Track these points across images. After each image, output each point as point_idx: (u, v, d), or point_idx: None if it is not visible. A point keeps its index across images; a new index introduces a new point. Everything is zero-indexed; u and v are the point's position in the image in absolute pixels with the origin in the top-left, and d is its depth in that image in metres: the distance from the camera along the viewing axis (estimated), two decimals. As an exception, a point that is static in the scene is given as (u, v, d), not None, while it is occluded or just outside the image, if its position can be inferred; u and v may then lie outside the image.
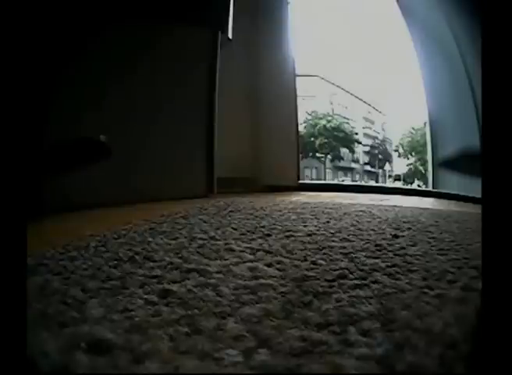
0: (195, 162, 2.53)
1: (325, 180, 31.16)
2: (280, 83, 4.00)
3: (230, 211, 1.72)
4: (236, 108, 3.66)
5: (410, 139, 31.40)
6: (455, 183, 4.43)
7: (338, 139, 31.56)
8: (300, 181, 4.19)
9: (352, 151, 34.61)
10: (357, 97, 40.64)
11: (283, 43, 3.96)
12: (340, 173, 34.73)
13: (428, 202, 3.09)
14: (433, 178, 4.82)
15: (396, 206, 2.11)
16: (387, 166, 30.94)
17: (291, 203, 2.19)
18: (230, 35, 2.80)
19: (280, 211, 1.76)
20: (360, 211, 1.79)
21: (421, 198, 3.75)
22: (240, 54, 3.61)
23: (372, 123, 41.16)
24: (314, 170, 32.96)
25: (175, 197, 2.32)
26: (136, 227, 1.26)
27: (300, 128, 30.89)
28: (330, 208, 1.85)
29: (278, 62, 3.96)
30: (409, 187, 4.45)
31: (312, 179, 30.69)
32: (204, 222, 1.38)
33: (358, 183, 4.92)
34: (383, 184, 4.93)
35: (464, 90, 4.06)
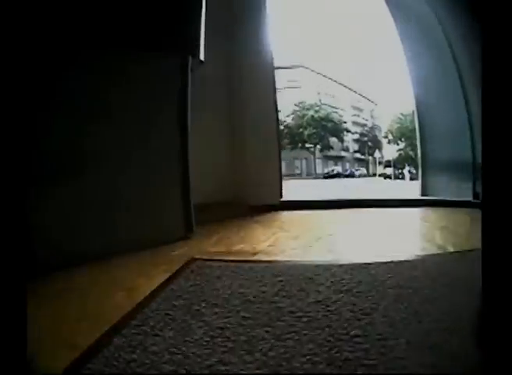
0: (171, 203, 2.27)
1: (315, 170, 31.19)
2: (260, 98, 3.80)
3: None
4: (213, 129, 3.46)
5: (399, 125, 31.41)
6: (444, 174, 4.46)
7: (327, 129, 31.49)
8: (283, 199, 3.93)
9: (341, 140, 34.55)
10: (344, 85, 40.52)
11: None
12: (330, 162, 34.69)
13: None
14: (422, 164, 4.81)
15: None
16: (377, 153, 30.93)
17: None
18: (202, 57, 2.60)
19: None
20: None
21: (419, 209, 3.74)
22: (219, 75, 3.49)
23: (361, 110, 41.16)
24: (304, 161, 32.86)
25: (153, 242, 2.06)
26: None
27: (288, 119, 30.96)
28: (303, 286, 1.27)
29: (259, 87, 3.79)
30: (405, 198, 4.29)
31: (302, 170, 30.69)
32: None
33: (347, 197, 4.54)
34: (376, 197, 4.56)
35: (451, 76, 3.95)
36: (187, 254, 1.85)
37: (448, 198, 3.86)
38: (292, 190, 6.60)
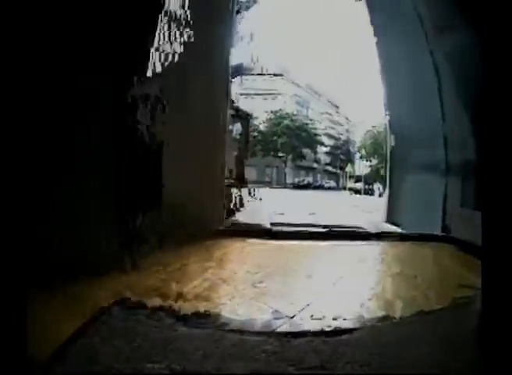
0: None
1: (285, 180, 30.97)
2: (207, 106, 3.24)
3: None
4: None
5: (372, 140, 31.76)
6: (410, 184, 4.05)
7: (300, 139, 31.40)
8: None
9: (314, 151, 34.63)
10: (321, 98, 40.87)
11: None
12: (301, 172, 34.65)
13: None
14: (390, 180, 4.56)
15: None
16: (348, 167, 31.06)
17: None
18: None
19: None
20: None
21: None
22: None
23: (336, 124, 41.64)
24: (275, 169, 32.55)
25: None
26: None
27: (262, 127, 30.73)
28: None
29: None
30: (366, 230, 3.75)
31: (272, 178, 30.35)
32: None
33: (306, 226, 3.83)
34: (335, 225, 3.91)
35: (430, 92, 3.49)
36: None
37: (414, 232, 3.41)
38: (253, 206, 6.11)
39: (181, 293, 1.64)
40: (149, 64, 2.18)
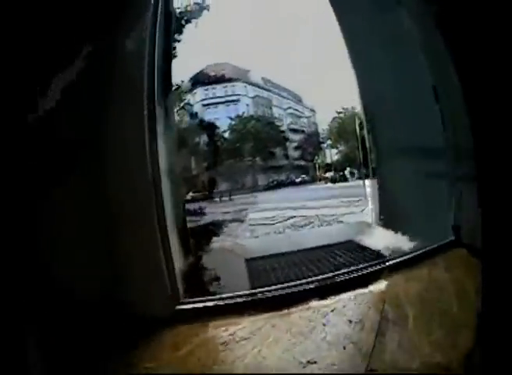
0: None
1: (256, 183, 30.64)
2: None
3: None
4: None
5: (337, 128, 32.06)
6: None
7: (265, 140, 31.19)
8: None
9: (281, 149, 34.52)
10: (283, 93, 40.89)
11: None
12: (271, 172, 34.50)
13: None
14: (377, 165, 4.07)
15: None
16: (317, 158, 31.18)
17: None
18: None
19: None
20: None
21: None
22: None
23: (298, 118, 41.78)
24: (243, 174, 32.17)
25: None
26: None
27: (227, 134, 30.64)
28: None
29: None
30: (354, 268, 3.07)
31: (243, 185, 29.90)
32: None
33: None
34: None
35: (414, 71, 3.00)
36: None
37: (422, 246, 2.57)
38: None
39: None
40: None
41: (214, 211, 13.42)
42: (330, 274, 2.49)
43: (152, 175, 2.13)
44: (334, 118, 33.48)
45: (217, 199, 24.70)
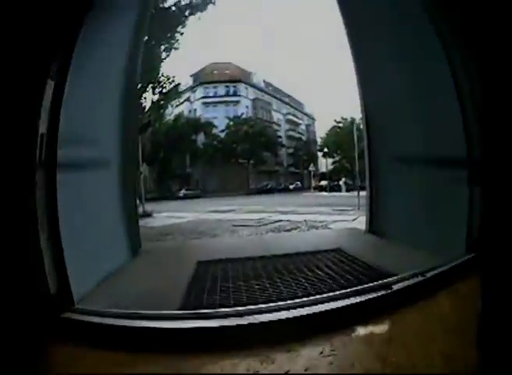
0: None
1: (248, 186, 30.12)
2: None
3: None
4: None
5: (335, 138, 31.89)
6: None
7: (260, 144, 30.88)
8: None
9: (275, 154, 34.28)
10: (280, 99, 40.74)
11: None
12: (264, 176, 34.08)
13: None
14: (372, 177, 3.91)
15: None
16: (312, 166, 30.84)
17: None
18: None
19: None
20: None
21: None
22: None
23: (296, 125, 41.66)
24: (237, 176, 31.75)
25: None
26: None
27: (222, 134, 30.32)
28: None
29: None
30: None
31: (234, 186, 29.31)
32: None
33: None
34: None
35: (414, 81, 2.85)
36: None
37: (432, 267, 1.76)
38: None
39: None
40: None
41: (199, 209, 12.80)
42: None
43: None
44: (333, 127, 33.25)
45: (205, 197, 24.02)
